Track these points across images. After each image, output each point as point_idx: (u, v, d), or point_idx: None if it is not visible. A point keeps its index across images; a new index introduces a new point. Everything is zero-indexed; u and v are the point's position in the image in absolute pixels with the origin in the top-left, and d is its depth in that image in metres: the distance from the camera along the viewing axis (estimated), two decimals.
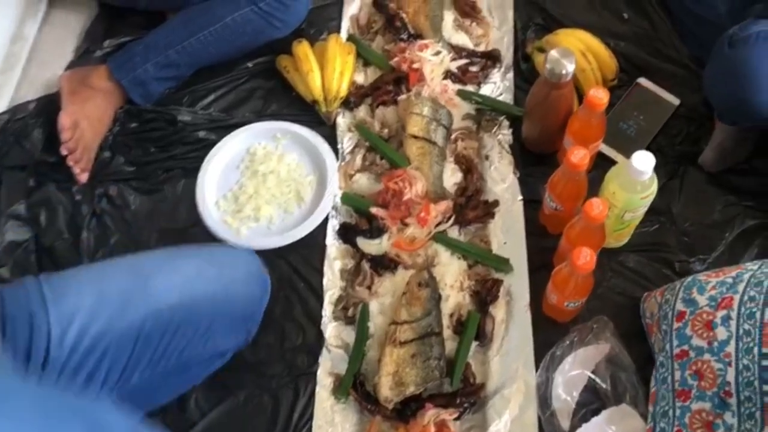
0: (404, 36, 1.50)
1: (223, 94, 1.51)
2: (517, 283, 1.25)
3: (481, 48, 1.53)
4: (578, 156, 1.12)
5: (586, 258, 1.05)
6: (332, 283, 1.28)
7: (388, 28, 1.52)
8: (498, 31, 1.55)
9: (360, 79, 1.50)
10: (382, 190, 1.32)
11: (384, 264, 1.27)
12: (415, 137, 1.35)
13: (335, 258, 1.30)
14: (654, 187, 1.15)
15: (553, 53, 1.19)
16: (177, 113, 1.47)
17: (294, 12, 1.45)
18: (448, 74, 1.46)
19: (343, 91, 1.45)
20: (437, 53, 1.46)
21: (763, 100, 1.14)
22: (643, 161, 1.10)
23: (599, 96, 1.17)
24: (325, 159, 1.40)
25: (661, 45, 1.52)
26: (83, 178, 1.39)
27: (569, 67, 1.19)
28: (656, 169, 1.32)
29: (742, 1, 1.40)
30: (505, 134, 1.41)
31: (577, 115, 1.25)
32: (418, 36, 1.50)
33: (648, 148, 1.37)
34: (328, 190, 1.36)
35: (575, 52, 1.38)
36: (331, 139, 1.43)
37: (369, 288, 1.26)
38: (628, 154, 1.35)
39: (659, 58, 1.50)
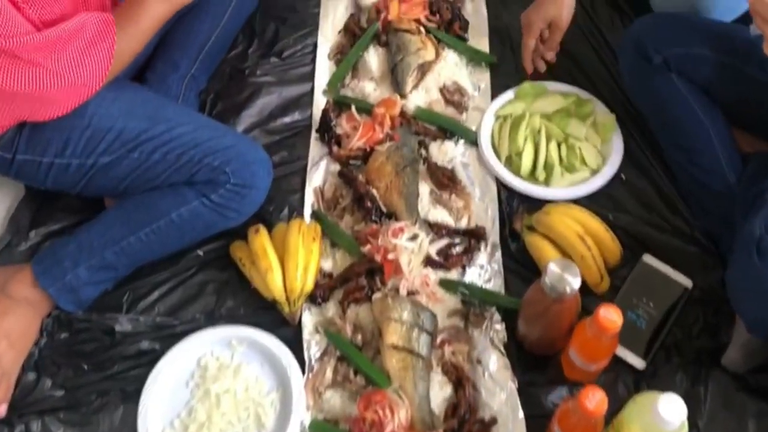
0: (376, 217, 1.31)
1: (169, 290, 1.31)
2: None
3: (463, 223, 1.35)
4: (594, 401, 0.93)
5: None
6: None
7: (358, 206, 1.34)
8: (480, 202, 1.38)
9: (327, 265, 1.31)
10: (358, 417, 1.11)
11: None
12: (395, 347, 1.15)
13: None
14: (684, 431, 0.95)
15: (553, 268, 1.01)
16: (114, 322, 1.26)
17: (251, 201, 1.26)
18: (427, 260, 1.28)
19: (309, 287, 1.25)
20: (414, 237, 1.28)
21: None
22: (672, 410, 0.90)
23: (611, 318, 0.99)
24: (288, 371, 1.19)
25: (666, 213, 1.35)
26: (1, 411, 1.16)
27: (574, 284, 1.01)
28: (677, 375, 1.16)
29: (753, 169, 1.26)
30: (498, 330, 1.22)
31: (584, 331, 1.05)
32: (392, 215, 1.32)
33: (662, 344, 1.21)
34: (294, 416, 1.14)
35: (572, 237, 1.22)
36: (296, 343, 1.23)
37: None
38: (639, 350, 1.20)
39: (665, 230, 1.33)
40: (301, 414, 1.16)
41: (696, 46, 1.28)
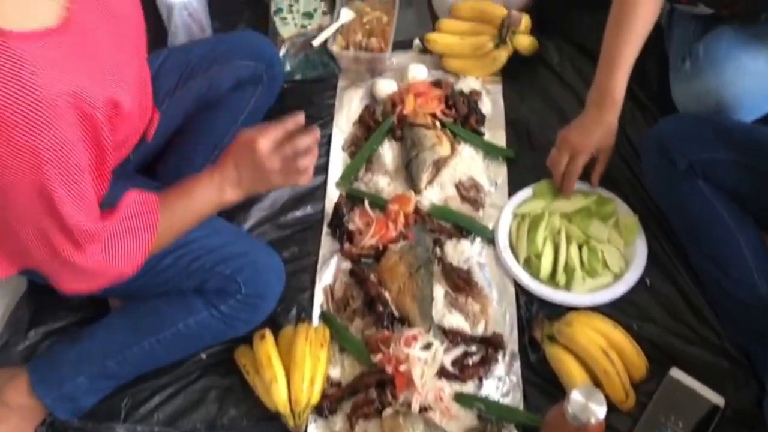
0: (387, 322, 1.25)
1: (170, 396, 1.25)
2: None
3: (480, 329, 1.28)
4: None
5: None
6: None
7: (369, 309, 1.28)
8: (498, 306, 1.31)
9: (335, 373, 1.24)
10: None
11: None
12: None
13: None
14: None
15: (577, 396, 0.94)
16: (110, 431, 1.19)
17: (261, 311, 1.22)
18: (442, 372, 1.21)
19: (315, 399, 1.18)
20: (428, 346, 1.21)
21: None
22: None
23: None
24: None
25: (693, 322, 1.28)
26: None
27: (599, 413, 0.93)
28: None
29: None
30: None
31: None
32: (404, 320, 1.26)
33: None
34: None
35: (595, 352, 1.15)
36: None
37: None
38: None
39: (693, 342, 1.25)
40: None
41: (723, 150, 1.23)
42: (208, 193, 1.08)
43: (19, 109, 0.78)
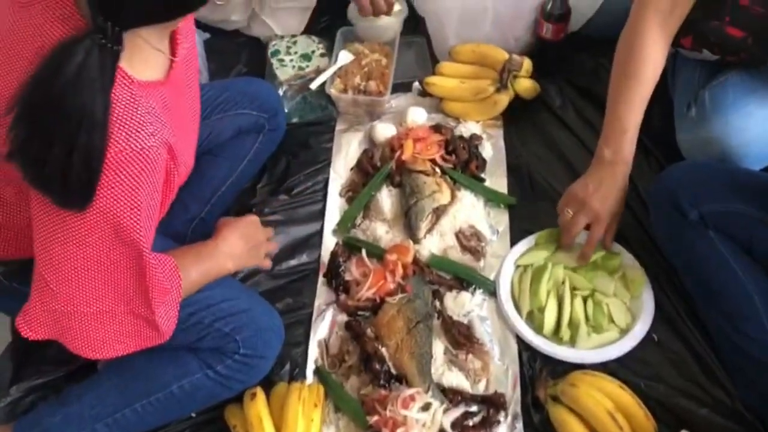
0: (384, 381, 1.20)
1: None
2: None
3: (481, 387, 1.23)
4: None
5: None
6: None
7: (365, 366, 1.23)
8: (500, 362, 1.26)
9: None
10: None
11: None
12: None
13: None
14: None
15: None
16: None
17: (258, 371, 1.17)
18: None
19: None
20: (426, 407, 1.16)
21: None
22: None
23: None
24: None
25: (704, 382, 1.22)
26: None
27: None
28: None
29: None
30: None
31: None
32: (402, 378, 1.21)
33: None
34: None
35: (602, 415, 1.10)
36: None
37: None
38: None
39: (704, 404, 1.19)
40: None
41: (735, 201, 1.19)
42: (215, 263, 1.16)
43: (131, 147, 0.84)
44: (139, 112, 0.86)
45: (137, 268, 0.93)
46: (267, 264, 1.31)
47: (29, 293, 0.95)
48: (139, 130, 0.86)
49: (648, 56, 1.29)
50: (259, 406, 1.15)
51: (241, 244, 1.21)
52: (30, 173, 0.82)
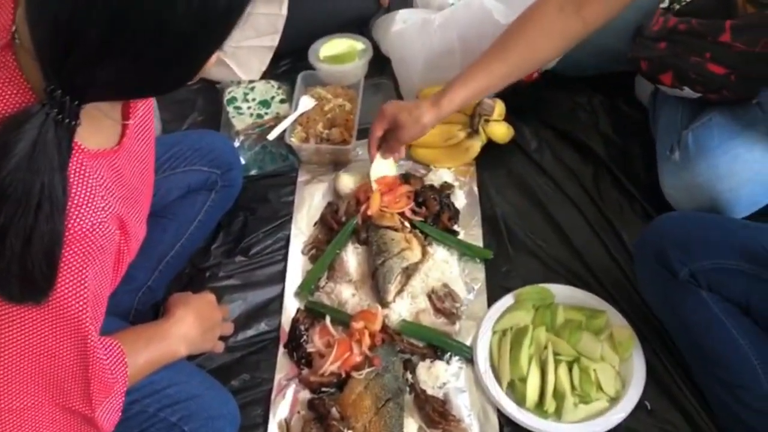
0: None
1: None
2: None
3: None
4: None
5: None
6: None
7: None
8: None
9: None
10: None
11: None
12: None
13: None
14: None
15: None
16: None
17: None
18: None
19: None
20: None
21: None
22: None
23: None
24: None
25: None
26: None
27: None
28: None
29: None
30: None
31: None
32: None
33: None
34: None
35: None
36: None
37: None
38: None
39: None
40: None
41: (728, 257, 1.09)
42: (166, 347, 1.06)
43: (80, 225, 0.74)
44: (89, 185, 0.76)
45: (81, 356, 0.81)
46: (219, 348, 1.23)
47: None
48: (88, 205, 0.75)
49: (534, 34, 1.27)
50: None
51: (195, 327, 1.12)
52: None
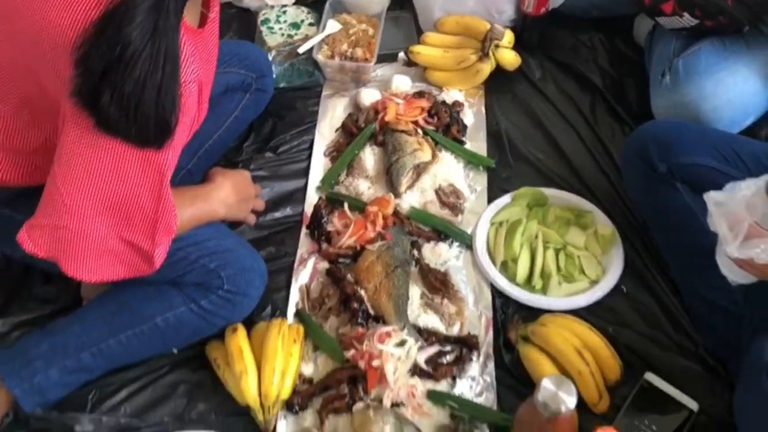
0: (362, 320, 1.24)
1: (139, 390, 1.22)
2: None
3: (455, 329, 1.27)
4: None
5: None
6: None
7: (344, 307, 1.27)
8: (474, 308, 1.31)
9: (308, 370, 1.23)
10: None
11: None
12: None
13: None
14: None
15: (547, 384, 0.93)
16: (75, 422, 1.17)
17: (241, 309, 1.21)
18: (415, 369, 1.19)
19: (285, 394, 1.16)
20: (402, 343, 1.20)
21: None
22: None
23: None
24: None
25: (669, 330, 1.27)
26: None
27: (569, 402, 0.93)
28: None
29: (761, 287, 1.19)
30: None
31: None
32: (379, 318, 1.25)
33: None
34: None
35: (569, 352, 1.15)
36: None
37: None
38: None
39: (668, 348, 1.25)
40: None
41: (702, 155, 1.24)
42: (207, 207, 1.23)
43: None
44: (185, 50, 0.91)
45: (156, 197, 0.97)
46: (252, 220, 1.39)
47: (21, 221, 0.99)
48: (185, 65, 0.91)
49: None
50: (239, 339, 1.18)
51: (233, 194, 1.29)
52: (114, 117, 0.85)
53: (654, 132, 1.30)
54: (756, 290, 1.17)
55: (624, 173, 1.38)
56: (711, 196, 1.00)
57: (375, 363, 1.16)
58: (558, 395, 0.93)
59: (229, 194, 1.28)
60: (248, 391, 1.14)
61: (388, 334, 1.20)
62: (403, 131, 1.52)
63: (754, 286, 1.18)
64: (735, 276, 1.04)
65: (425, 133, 1.55)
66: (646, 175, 1.27)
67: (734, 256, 0.96)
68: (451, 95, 1.67)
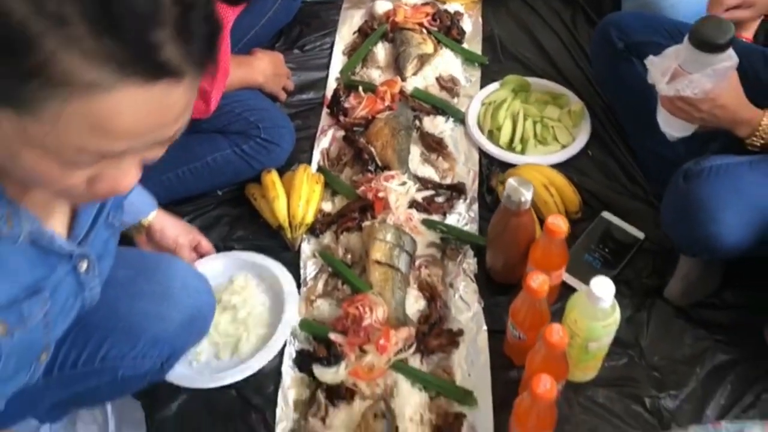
0: (372, 168, 1.52)
1: (190, 221, 1.51)
2: (481, 417, 1.19)
3: (447, 181, 1.55)
4: (537, 281, 1.10)
5: (546, 386, 1.00)
6: (285, 415, 1.21)
7: (357, 160, 1.56)
8: (464, 166, 1.58)
9: (327, 207, 1.51)
10: (342, 315, 1.28)
11: (340, 394, 1.21)
12: (378, 263, 1.34)
13: (290, 387, 1.24)
14: (616, 316, 1.12)
15: (511, 181, 1.21)
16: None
17: (275, 156, 1.50)
18: (413, 204, 1.47)
19: (309, 218, 1.45)
20: (403, 183, 1.48)
21: (718, 232, 1.13)
22: (602, 287, 1.07)
23: (557, 223, 1.17)
24: (282, 281, 1.36)
25: (625, 181, 1.54)
26: None
27: (527, 195, 1.20)
28: (623, 301, 1.32)
29: (700, 140, 1.45)
30: (470, 263, 1.40)
31: (537, 243, 1.24)
32: (386, 167, 1.53)
33: (614, 281, 1.36)
34: (285, 317, 1.31)
35: (538, 186, 1.41)
36: (295, 267, 1.42)
37: (323, 420, 1.19)
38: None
39: (623, 194, 1.52)
40: (293, 318, 1.32)
41: (655, 35, 1.49)
42: (250, 72, 1.59)
43: None
44: None
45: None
46: (283, 96, 1.69)
47: None
48: None
49: None
50: (273, 176, 1.48)
51: (270, 67, 1.62)
52: None
53: (617, 18, 1.56)
54: (689, 141, 1.43)
55: (592, 57, 1.64)
56: (650, 59, 1.25)
57: (381, 194, 1.45)
58: (519, 189, 1.20)
59: (267, 66, 1.60)
60: (280, 211, 1.43)
61: (393, 176, 1.48)
62: (410, 29, 1.79)
63: (688, 140, 1.44)
64: (671, 129, 1.29)
65: (429, 32, 1.83)
66: (607, 53, 1.53)
67: (664, 92, 1.21)
68: (452, 6, 1.94)
